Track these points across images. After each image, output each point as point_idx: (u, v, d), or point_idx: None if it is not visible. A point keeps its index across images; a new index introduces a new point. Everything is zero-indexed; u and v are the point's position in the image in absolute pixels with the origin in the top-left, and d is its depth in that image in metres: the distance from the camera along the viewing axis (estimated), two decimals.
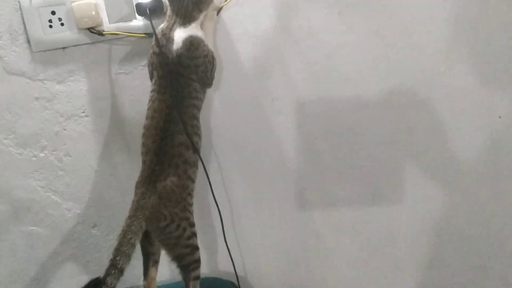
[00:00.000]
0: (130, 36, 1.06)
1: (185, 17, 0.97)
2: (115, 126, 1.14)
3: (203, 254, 1.10)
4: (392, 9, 1.05)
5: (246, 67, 1.12)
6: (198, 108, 1.00)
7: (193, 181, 1.00)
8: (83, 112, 1.12)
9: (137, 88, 1.11)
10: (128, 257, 0.88)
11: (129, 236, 0.89)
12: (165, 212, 0.94)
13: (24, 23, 1.05)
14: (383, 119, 1.12)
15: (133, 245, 0.89)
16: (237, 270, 1.18)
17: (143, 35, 1.06)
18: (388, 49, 1.07)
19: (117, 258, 0.87)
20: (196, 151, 0.98)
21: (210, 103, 1.14)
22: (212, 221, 1.20)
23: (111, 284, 0.86)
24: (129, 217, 0.92)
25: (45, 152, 1.13)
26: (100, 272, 0.86)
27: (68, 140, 1.14)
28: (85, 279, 0.91)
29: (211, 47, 1.02)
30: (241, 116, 1.15)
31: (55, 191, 1.17)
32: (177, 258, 0.98)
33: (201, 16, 0.99)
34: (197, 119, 1.00)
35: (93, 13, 1.03)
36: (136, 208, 0.94)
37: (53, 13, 1.05)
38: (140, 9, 1.02)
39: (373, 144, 1.13)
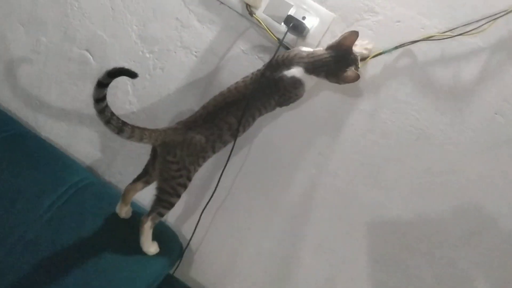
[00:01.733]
0: (267, 31, 1.25)
1: (313, 71, 1.14)
2: (206, 78, 1.34)
3: (178, 209, 1.27)
4: None
5: None
6: (260, 113, 1.18)
7: (213, 151, 1.18)
8: (196, 52, 1.33)
9: (241, 67, 1.29)
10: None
11: (145, 131, 1.09)
12: (178, 152, 1.12)
13: None
14: None
15: (140, 138, 1.09)
16: (191, 243, 1.34)
17: (275, 38, 1.25)
18: None
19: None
20: (233, 136, 1.16)
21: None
22: (204, 194, 1.36)
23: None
24: (154, 129, 1.12)
25: (150, 54, 1.35)
26: None
27: (171, 61, 1.35)
28: None
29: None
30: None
31: (132, 82, 1.38)
32: (160, 190, 1.15)
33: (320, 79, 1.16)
34: (253, 119, 1.17)
35: None
36: (164, 130, 1.13)
37: None
38: (287, 19, 1.22)
39: None
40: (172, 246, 1.30)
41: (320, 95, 1.28)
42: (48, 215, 1.15)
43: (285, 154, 1.33)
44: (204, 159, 1.18)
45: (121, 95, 1.38)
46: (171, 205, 1.17)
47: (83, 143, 1.42)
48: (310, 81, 1.16)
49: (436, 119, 1.22)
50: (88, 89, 1.39)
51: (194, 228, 1.30)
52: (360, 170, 1.29)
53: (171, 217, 1.41)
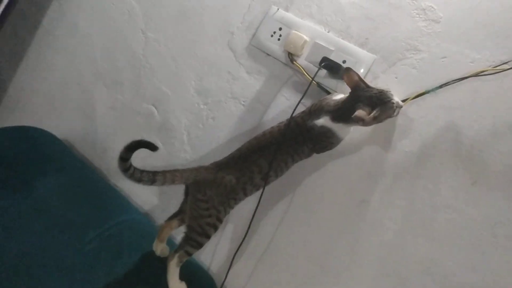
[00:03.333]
0: (305, 76, 1.26)
1: (340, 119, 1.11)
2: (252, 126, 1.37)
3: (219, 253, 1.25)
4: None
5: None
6: (293, 159, 1.16)
7: (245, 194, 1.17)
8: (243, 102, 1.38)
9: (285, 114, 1.28)
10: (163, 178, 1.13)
11: (176, 173, 1.13)
12: (207, 191, 1.13)
13: (260, 23, 1.37)
14: None
15: (172, 181, 1.13)
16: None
17: (315, 82, 1.25)
18: None
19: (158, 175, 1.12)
20: (263, 179, 1.14)
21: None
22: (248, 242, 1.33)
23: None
24: (185, 169, 1.15)
25: (204, 106, 1.44)
26: None
27: (222, 111, 1.42)
28: None
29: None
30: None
31: (188, 132, 1.47)
32: (188, 227, 1.16)
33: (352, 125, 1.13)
34: (286, 164, 1.15)
35: (299, 44, 1.28)
36: (195, 168, 1.16)
37: (280, 29, 1.33)
38: (322, 61, 1.22)
39: None
40: None
41: (362, 139, 1.21)
42: (89, 246, 1.22)
43: (327, 204, 1.25)
44: (235, 201, 1.17)
45: (178, 144, 1.47)
46: (199, 244, 1.15)
47: (143, 189, 1.51)
48: (342, 129, 1.13)
49: (495, 158, 1.07)
50: (151, 139, 1.51)
51: (226, 273, 1.25)
52: (409, 219, 1.15)
53: (212, 261, 1.38)
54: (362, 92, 1.08)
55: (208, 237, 1.15)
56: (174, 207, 1.26)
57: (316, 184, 1.27)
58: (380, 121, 1.09)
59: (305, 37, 1.28)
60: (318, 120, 1.12)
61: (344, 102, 1.11)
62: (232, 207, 1.17)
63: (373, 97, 1.06)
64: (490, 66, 1.09)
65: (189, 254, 1.16)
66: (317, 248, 1.25)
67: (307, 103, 1.25)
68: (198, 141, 1.44)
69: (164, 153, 1.48)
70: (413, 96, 1.14)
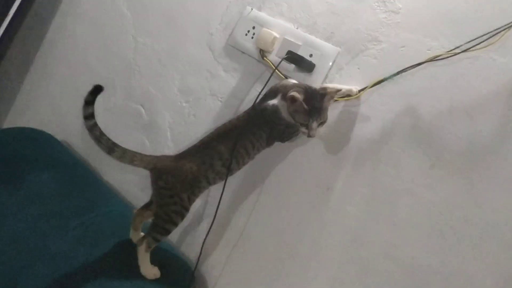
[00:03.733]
0: (276, 72, 1.31)
1: None
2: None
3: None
4: None
5: None
6: (253, 146, 1.19)
7: (208, 182, 1.20)
8: (221, 98, 1.44)
9: None
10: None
11: (136, 155, 1.20)
12: (169, 178, 1.18)
13: (236, 23, 1.44)
14: None
15: (131, 160, 1.19)
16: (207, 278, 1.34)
17: (283, 76, 1.30)
18: None
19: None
20: (225, 166, 1.18)
21: None
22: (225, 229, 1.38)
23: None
24: (147, 155, 1.22)
25: (186, 104, 1.51)
26: None
27: (202, 107, 1.48)
28: None
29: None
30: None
31: (171, 129, 1.54)
32: (155, 215, 1.21)
33: None
34: (246, 150, 1.18)
35: (269, 41, 1.33)
36: (157, 156, 1.22)
37: (253, 27, 1.39)
38: (287, 53, 1.28)
39: None
40: (181, 274, 1.30)
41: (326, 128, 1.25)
42: (72, 233, 1.29)
43: (296, 192, 1.28)
44: (200, 189, 1.20)
45: (162, 141, 1.54)
46: (166, 231, 1.20)
47: (134, 186, 1.59)
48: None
49: (452, 142, 1.08)
50: (139, 137, 1.59)
51: (198, 258, 1.30)
52: (371, 205, 1.17)
53: (187, 248, 1.44)
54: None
55: (174, 224, 1.19)
56: None
57: (284, 173, 1.31)
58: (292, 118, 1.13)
59: (275, 34, 1.33)
60: (272, 99, 1.17)
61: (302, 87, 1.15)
62: (196, 195, 1.21)
63: (319, 96, 1.11)
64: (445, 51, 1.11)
65: (157, 240, 1.20)
66: (287, 236, 1.28)
67: None
68: (181, 136, 1.51)
69: (150, 150, 1.56)
70: (371, 84, 1.18)
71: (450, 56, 1.09)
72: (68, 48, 1.84)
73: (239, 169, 1.22)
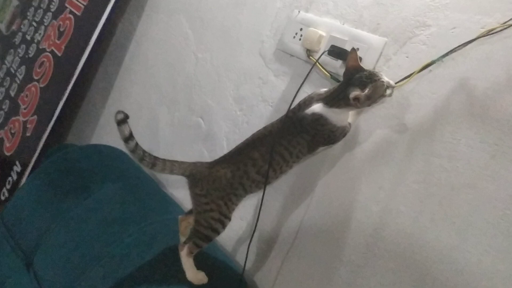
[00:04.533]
0: (321, 69, 1.27)
1: (332, 103, 1.10)
2: None
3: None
4: None
5: None
6: (290, 153, 1.14)
7: (244, 190, 1.18)
8: (271, 103, 1.43)
9: None
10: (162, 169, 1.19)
11: (175, 163, 1.20)
12: (204, 185, 1.17)
13: (285, 27, 1.43)
14: None
15: (171, 170, 1.20)
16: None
17: (328, 74, 1.26)
18: None
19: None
20: (259, 173, 1.15)
21: None
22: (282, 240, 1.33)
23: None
24: (184, 162, 1.22)
25: (240, 112, 1.52)
26: None
27: (254, 114, 1.48)
28: None
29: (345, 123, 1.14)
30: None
31: (227, 138, 1.56)
32: (195, 222, 1.21)
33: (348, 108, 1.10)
34: (283, 158, 1.14)
35: (315, 40, 1.30)
36: (193, 163, 1.23)
37: (301, 29, 1.38)
38: (330, 48, 1.23)
39: None
40: (230, 279, 1.28)
41: (371, 124, 1.17)
42: (128, 239, 1.34)
43: (346, 194, 1.20)
44: (237, 196, 1.18)
45: (219, 150, 1.55)
46: (207, 237, 1.18)
47: None
48: (335, 114, 1.10)
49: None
50: (198, 149, 1.63)
51: (245, 263, 1.25)
52: (426, 204, 1.05)
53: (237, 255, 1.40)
54: (354, 76, 1.07)
55: (215, 231, 1.18)
56: None
57: (335, 176, 1.24)
58: (374, 102, 1.06)
59: (320, 32, 1.30)
60: (309, 108, 1.12)
61: (336, 87, 1.11)
62: (234, 203, 1.18)
63: (363, 77, 1.05)
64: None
65: (198, 246, 1.19)
66: (340, 242, 1.20)
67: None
68: (236, 144, 1.51)
69: (209, 160, 1.58)
70: (419, 69, 1.08)
71: (506, 28, 0.97)
72: (141, 71, 1.98)
73: (277, 177, 1.18)
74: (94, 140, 2.17)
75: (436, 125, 1.06)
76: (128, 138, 1.18)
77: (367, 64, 1.20)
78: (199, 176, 1.19)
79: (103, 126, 2.17)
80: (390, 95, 1.06)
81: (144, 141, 1.81)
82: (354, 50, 1.11)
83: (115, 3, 1.96)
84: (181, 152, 1.72)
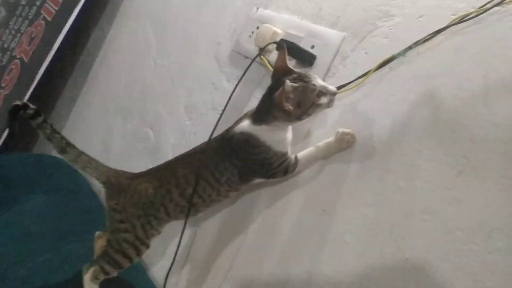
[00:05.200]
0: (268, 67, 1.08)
1: (261, 120, 0.90)
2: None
3: None
4: None
5: None
6: (218, 181, 0.93)
7: (167, 214, 0.97)
8: (221, 110, 1.22)
9: None
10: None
11: (92, 161, 1.03)
12: (121, 198, 0.97)
13: (243, 27, 1.25)
14: None
15: (84, 166, 1.01)
16: None
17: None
18: None
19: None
20: (183, 196, 0.95)
21: None
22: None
23: None
24: (104, 165, 1.04)
25: (189, 122, 1.32)
26: None
27: (202, 124, 1.28)
28: None
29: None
30: None
31: (172, 151, 1.35)
32: (107, 241, 0.99)
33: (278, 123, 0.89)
34: (210, 185, 0.94)
35: (268, 37, 1.11)
36: (114, 169, 1.03)
37: (257, 28, 1.19)
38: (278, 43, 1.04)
39: None
40: None
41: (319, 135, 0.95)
42: (41, 258, 1.15)
43: (285, 222, 0.97)
44: (158, 220, 0.96)
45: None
46: (117, 264, 0.96)
47: None
48: (267, 133, 0.89)
49: (487, 133, 0.72)
50: (144, 162, 1.43)
51: None
52: (375, 234, 0.81)
53: None
54: (280, 79, 0.85)
55: (127, 257, 0.96)
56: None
57: (278, 201, 1.01)
58: (307, 113, 0.85)
59: (275, 29, 1.11)
60: (238, 126, 0.92)
61: (262, 98, 0.91)
62: (155, 228, 0.97)
63: (291, 80, 0.84)
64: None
65: (106, 273, 0.97)
66: (276, 277, 0.96)
67: None
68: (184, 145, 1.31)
69: None
70: (376, 66, 0.87)
71: (481, 13, 0.76)
72: (105, 80, 1.82)
73: (207, 206, 0.98)
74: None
75: (394, 134, 0.84)
76: (34, 116, 0.97)
77: (322, 63, 1.00)
78: (117, 186, 0.99)
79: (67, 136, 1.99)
80: (329, 105, 0.85)
81: (95, 156, 1.64)
82: (283, 48, 0.91)
83: (84, 9, 1.83)
84: (129, 166, 1.51)
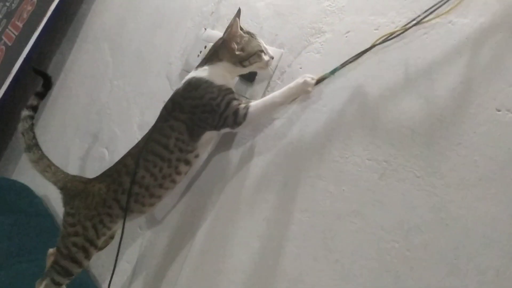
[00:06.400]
0: None
1: (209, 60, 0.98)
2: None
3: None
4: None
5: None
6: (166, 147, 0.93)
7: (120, 208, 0.96)
8: None
9: None
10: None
11: (52, 166, 1.07)
12: (75, 202, 0.98)
13: (192, 46, 1.30)
14: None
15: (43, 169, 1.06)
16: None
17: None
18: None
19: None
20: (137, 184, 0.95)
21: None
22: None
23: None
24: (63, 171, 1.07)
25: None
26: None
27: None
28: None
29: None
30: None
31: None
32: (56, 252, 1.00)
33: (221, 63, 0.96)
34: (159, 156, 0.94)
35: None
36: (71, 175, 1.05)
37: (205, 47, 1.23)
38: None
39: None
40: None
41: (260, 146, 0.99)
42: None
43: (228, 230, 0.99)
44: (111, 217, 0.97)
45: None
46: (66, 271, 0.96)
47: None
48: (209, 71, 0.95)
49: (406, 136, 0.77)
50: None
51: None
52: (309, 237, 0.84)
53: None
54: None
55: (75, 261, 0.96)
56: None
57: (223, 212, 1.04)
58: (248, 60, 0.94)
59: None
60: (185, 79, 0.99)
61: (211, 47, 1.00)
62: (107, 226, 0.97)
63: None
64: (396, 27, 0.84)
65: (57, 283, 0.97)
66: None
67: None
68: None
69: None
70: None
71: (406, 30, 0.81)
72: (64, 103, 1.83)
73: (160, 186, 0.95)
74: (15, 175, 1.97)
75: (325, 142, 0.88)
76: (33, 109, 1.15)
77: (262, 78, 1.05)
78: (73, 191, 1.01)
79: (26, 162, 1.98)
80: (267, 63, 0.95)
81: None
82: (237, 12, 0.97)
83: (45, 32, 1.85)
84: None
